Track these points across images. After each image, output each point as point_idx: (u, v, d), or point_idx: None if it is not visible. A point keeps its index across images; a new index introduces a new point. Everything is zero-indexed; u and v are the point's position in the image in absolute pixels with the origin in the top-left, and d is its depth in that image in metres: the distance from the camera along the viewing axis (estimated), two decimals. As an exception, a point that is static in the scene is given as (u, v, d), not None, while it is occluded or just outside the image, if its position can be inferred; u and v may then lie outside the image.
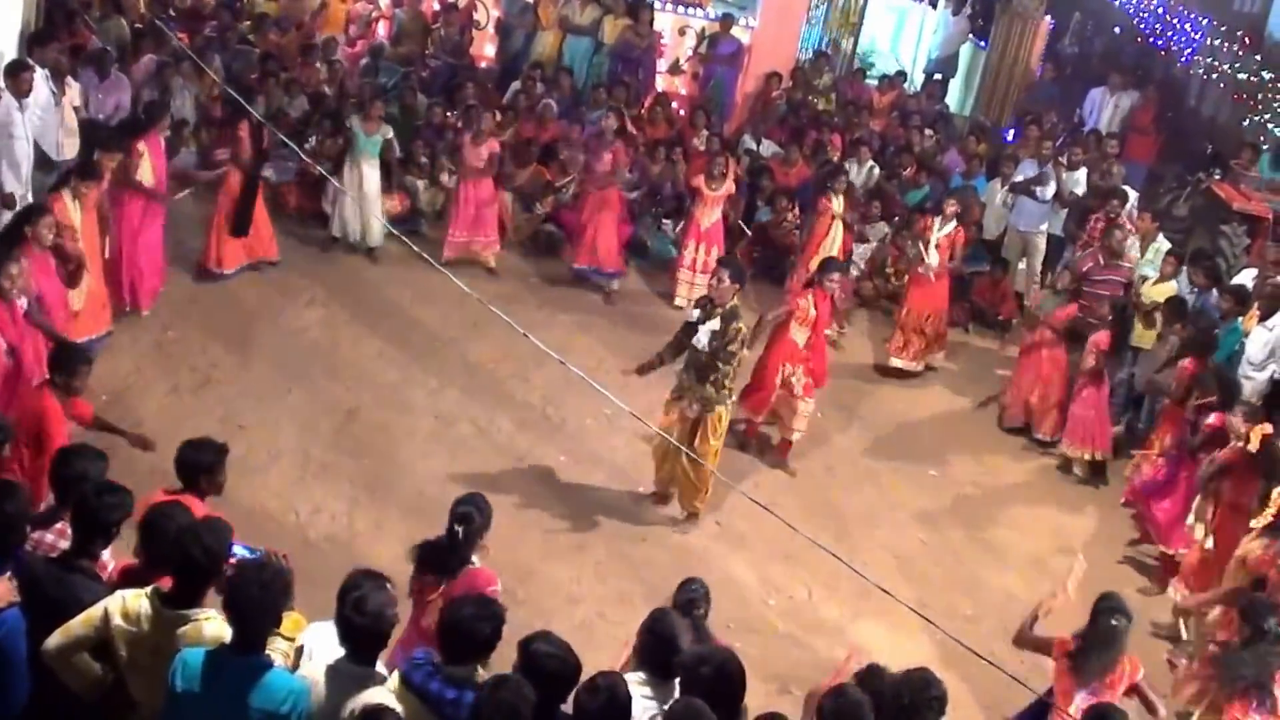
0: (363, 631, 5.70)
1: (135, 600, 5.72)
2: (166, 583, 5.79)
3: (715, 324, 10.50)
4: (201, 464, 7.20)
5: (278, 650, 5.83)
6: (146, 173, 12.25)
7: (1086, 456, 13.22)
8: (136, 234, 12.30)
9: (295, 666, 5.86)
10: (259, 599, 5.49)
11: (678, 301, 15.08)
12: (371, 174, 14.88)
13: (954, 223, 14.61)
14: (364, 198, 14.80)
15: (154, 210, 12.52)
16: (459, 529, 7.25)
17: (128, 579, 6.06)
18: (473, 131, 15.07)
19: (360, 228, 15.01)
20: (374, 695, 5.58)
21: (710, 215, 15.20)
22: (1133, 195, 16.57)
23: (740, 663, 6.12)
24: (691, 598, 7.45)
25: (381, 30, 19.54)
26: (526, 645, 5.80)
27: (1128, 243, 14.43)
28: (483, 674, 5.94)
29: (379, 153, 14.96)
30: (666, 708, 5.87)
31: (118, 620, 5.69)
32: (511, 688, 5.41)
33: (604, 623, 9.53)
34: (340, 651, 5.81)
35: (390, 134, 15.16)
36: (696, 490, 11.03)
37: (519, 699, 5.37)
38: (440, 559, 7.27)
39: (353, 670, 5.73)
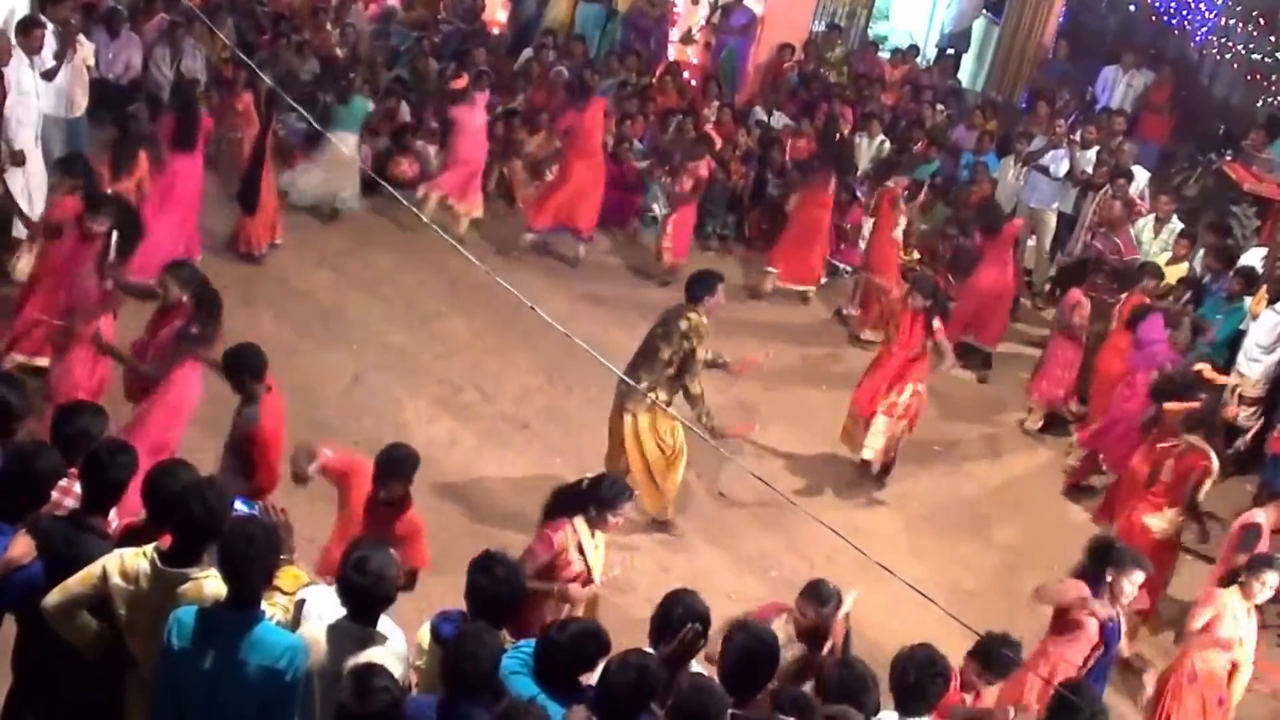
0: (362, 591, 5.72)
1: (134, 559, 5.72)
2: (166, 541, 5.80)
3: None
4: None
5: (277, 605, 5.86)
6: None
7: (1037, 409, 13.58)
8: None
9: (295, 621, 5.89)
10: (250, 554, 5.49)
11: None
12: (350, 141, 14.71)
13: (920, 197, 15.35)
14: (335, 165, 14.70)
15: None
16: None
17: (129, 537, 6.07)
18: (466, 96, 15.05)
19: (329, 194, 14.84)
20: (376, 656, 5.61)
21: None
22: (1144, 175, 16.57)
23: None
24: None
25: (393, -6, 19.50)
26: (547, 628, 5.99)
27: (1138, 224, 14.45)
28: (508, 637, 6.05)
29: (361, 119, 14.92)
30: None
31: (116, 579, 5.68)
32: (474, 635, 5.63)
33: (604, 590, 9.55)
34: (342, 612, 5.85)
35: (371, 106, 15.10)
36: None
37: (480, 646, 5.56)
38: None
39: (353, 630, 5.75)
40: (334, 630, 5.77)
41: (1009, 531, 11.83)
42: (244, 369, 8.07)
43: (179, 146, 12.43)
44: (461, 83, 15.64)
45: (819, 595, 7.15)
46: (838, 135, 16.31)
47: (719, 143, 16.60)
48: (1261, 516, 9.72)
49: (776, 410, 12.65)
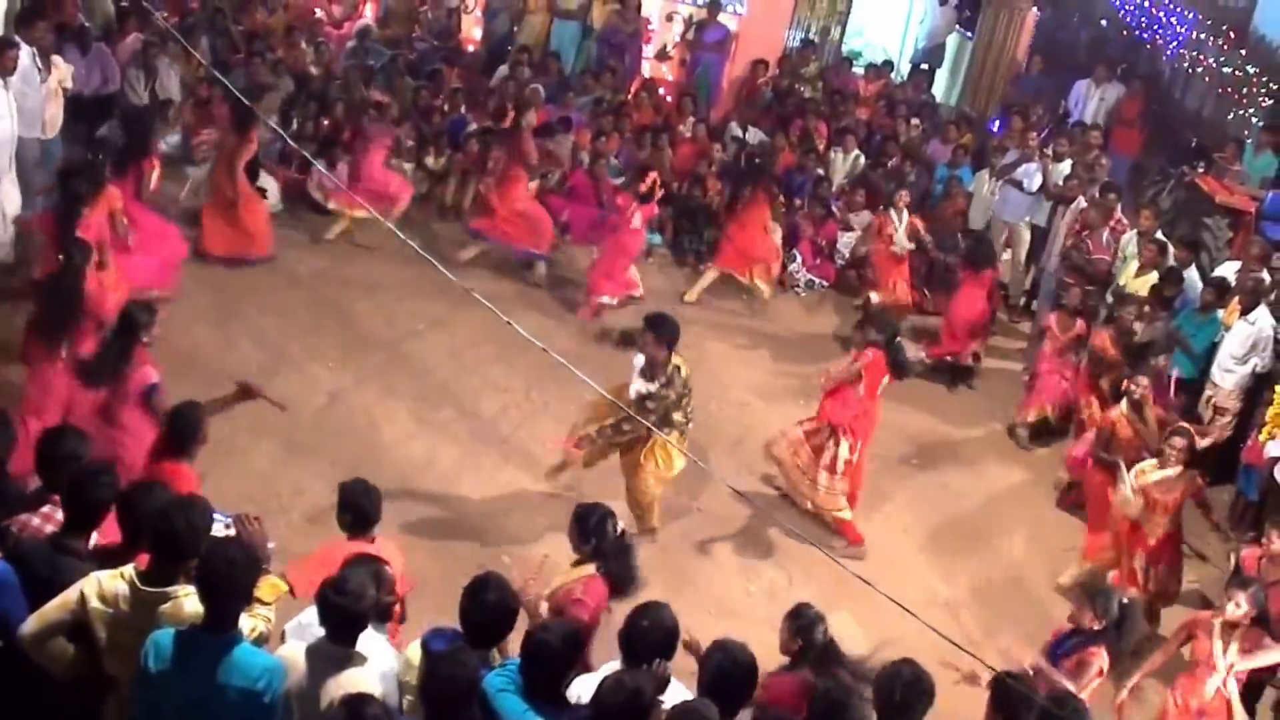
0: (339, 611, 5.74)
1: (112, 581, 5.70)
2: (143, 561, 5.78)
3: (646, 386, 9.98)
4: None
5: (258, 615, 5.85)
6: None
7: (1032, 418, 13.62)
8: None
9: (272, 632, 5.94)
10: (229, 576, 5.48)
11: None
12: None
13: (906, 212, 15.26)
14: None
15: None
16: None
17: (106, 558, 6.05)
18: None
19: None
20: (355, 677, 5.62)
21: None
22: (1115, 189, 16.74)
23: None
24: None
25: (369, 12, 19.50)
26: (533, 633, 6.02)
27: (1122, 240, 14.58)
28: (498, 656, 6.07)
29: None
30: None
31: (95, 603, 5.66)
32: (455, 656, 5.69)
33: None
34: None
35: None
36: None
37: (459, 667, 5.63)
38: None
39: (332, 651, 5.77)
40: (313, 651, 5.77)
41: (988, 543, 11.85)
42: (184, 433, 7.76)
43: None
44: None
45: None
46: (763, 156, 16.47)
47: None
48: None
49: (757, 424, 12.67)
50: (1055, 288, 14.85)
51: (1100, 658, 8.14)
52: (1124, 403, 11.46)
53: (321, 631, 5.88)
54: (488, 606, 6.11)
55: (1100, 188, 15.35)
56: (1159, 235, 14.57)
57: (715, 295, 15.37)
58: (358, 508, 7.27)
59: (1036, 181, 16.10)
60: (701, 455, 11.45)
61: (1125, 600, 8.50)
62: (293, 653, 5.81)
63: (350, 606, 5.73)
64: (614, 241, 14.39)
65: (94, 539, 6.30)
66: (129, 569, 5.73)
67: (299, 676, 5.71)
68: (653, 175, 14.50)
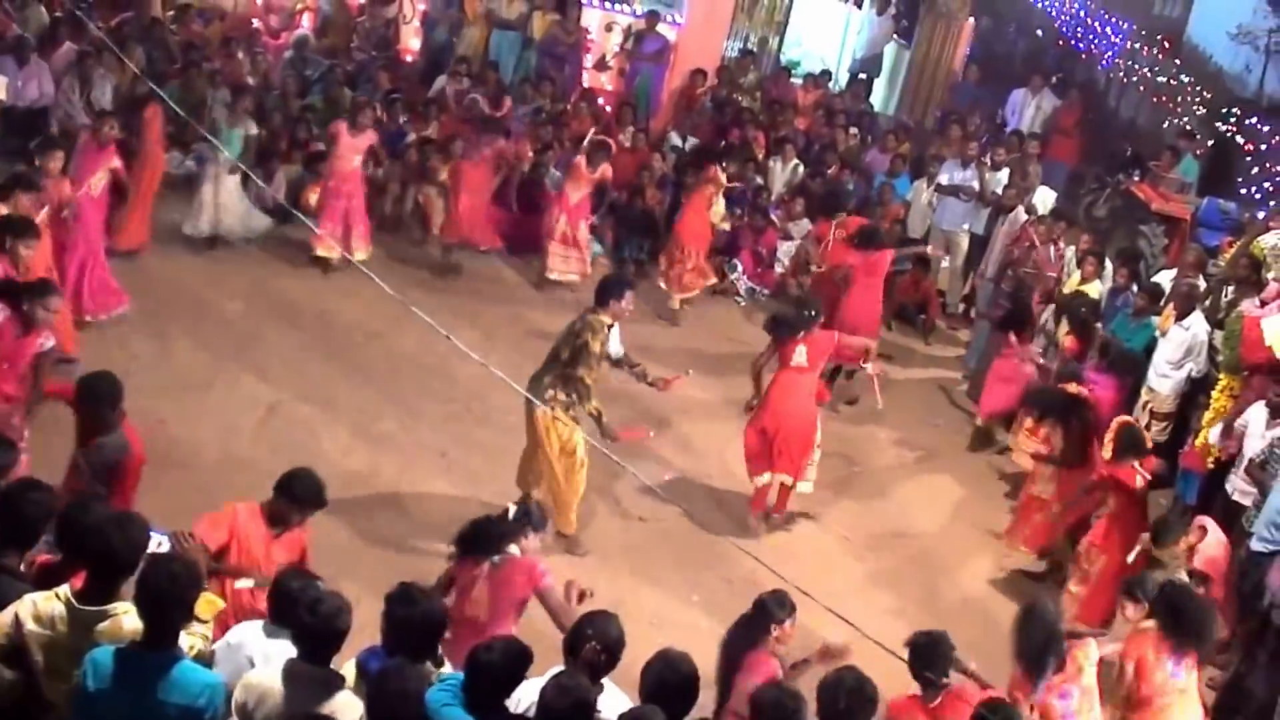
0: (314, 632, 5.72)
1: (47, 603, 5.60)
2: (78, 580, 5.71)
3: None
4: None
5: (195, 634, 5.79)
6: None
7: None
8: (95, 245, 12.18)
9: (210, 650, 5.91)
10: (169, 591, 5.42)
11: (551, 275, 15.29)
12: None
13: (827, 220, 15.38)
14: (221, 191, 14.50)
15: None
16: (513, 510, 7.57)
17: (45, 577, 5.96)
18: (351, 122, 14.71)
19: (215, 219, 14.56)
20: (343, 700, 5.66)
21: (579, 191, 15.30)
22: (1051, 195, 16.90)
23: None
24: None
25: (306, 22, 19.41)
26: (476, 649, 5.94)
27: (1067, 255, 14.73)
28: (433, 670, 6.03)
29: (240, 149, 14.70)
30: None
31: (30, 625, 5.55)
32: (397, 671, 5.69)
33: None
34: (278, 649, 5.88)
35: (254, 130, 14.96)
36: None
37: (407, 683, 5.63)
38: (482, 538, 7.48)
39: (312, 672, 5.73)
40: (290, 673, 5.73)
41: (929, 549, 11.90)
42: (101, 399, 7.90)
43: None
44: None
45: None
46: (750, 160, 16.50)
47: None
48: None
49: (700, 432, 12.68)
50: (993, 295, 14.95)
51: (1084, 651, 8.06)
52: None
53: (256, 653, 5.85)
54: (415, 614, 6.08)
55: (1052, 212, 15.59)
56: (1095, 249, 14.75)
57: (651, 303, 15.40)
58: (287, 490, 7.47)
59: (971, 182, 16.27)
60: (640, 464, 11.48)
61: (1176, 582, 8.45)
62: (265, 679, 5.77)
63: (323, 628, 5.72)
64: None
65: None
66: (64, 589, 5.65)
67: (276, 699, 5.67)
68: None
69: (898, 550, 11.82)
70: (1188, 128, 20.23)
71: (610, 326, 10.30)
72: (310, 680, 5.72)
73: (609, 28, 19.89)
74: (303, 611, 5.75)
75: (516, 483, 10.68)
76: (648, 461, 11.73)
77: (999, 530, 11.99)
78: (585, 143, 15.62)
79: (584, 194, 15.32)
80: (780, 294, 16.29)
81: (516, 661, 5.93)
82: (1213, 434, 11.72)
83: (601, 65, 19.97)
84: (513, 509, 7.79)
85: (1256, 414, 11.03)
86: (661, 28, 19.64)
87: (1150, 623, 8.21)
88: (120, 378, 8.10)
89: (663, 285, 15.52)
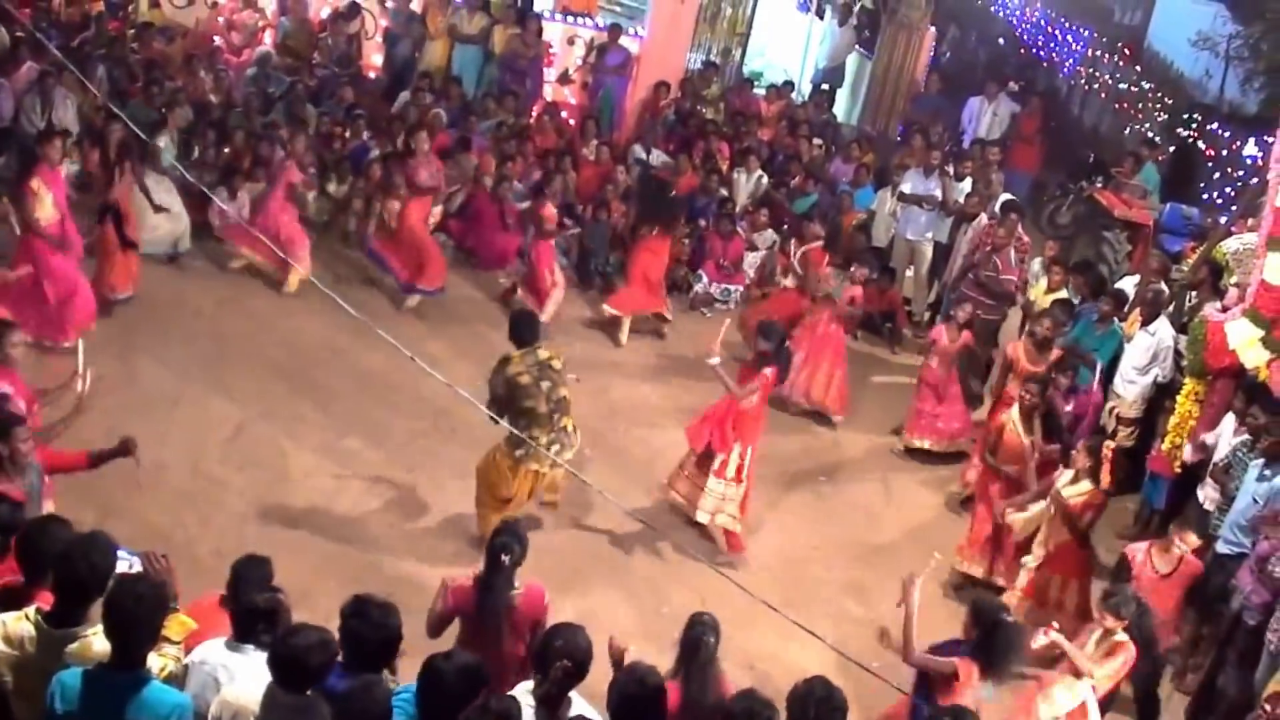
0: (288, 662, 5.65)
1: (16, 623, 5.60)
2: (46, 601, 5.68)
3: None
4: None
5: (166, 654, 5.77)
6: (48, 211, 11.93)
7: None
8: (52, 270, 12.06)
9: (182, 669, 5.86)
10: (136, 614, 5.42)
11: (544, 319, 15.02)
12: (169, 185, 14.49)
13: (818, 243, 15.34)
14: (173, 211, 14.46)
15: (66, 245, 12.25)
16: (504, 559, 7.36)
17: (7, 598, 5.93)
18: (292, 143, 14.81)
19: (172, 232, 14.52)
20: None
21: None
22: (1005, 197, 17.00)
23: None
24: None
25: (268, 39, 19.35)
26: (431, 661, 5.93)
27: (1032, 266, 14.81)
28: (390, 679, 6.02)
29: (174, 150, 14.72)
30: None
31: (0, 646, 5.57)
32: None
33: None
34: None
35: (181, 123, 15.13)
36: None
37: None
38: (489, 595, 7.38)
39: (293, 701, 5.67)
40: (270, 701, 5.69)
41: (895, 558, 11.89)
42: None
43: None
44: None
45: None
46: (667, 188, 16.47)
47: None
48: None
49: (669, 444, 12.67)
50: (953, 301, 15.03)
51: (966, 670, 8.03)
52: (1015, 408, 11.60)
53: (218, 668, 5.85)
54: (372, 627, 6.07)
55: (1002, 206, 15.51)
56: (1060, 256, 14.83)
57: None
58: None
59: (934, 192, 16.33)
60: (611, 477, 11.47)
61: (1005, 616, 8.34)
62: (238, 697, 5.73)
63: (300, 658, 5.64)
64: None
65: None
66: (33, 610, 5.64)
67: None
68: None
69: (866, 560, 11.84)
70: (1149, 134, 20.40)
71: (526, 355, 10.44)
72: (288, 709, 5.66)
73: (571, 41, 19.88)
74: (277, 640, 5.73)
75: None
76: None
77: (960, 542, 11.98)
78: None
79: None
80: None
81: (468, 675, 5.89)
82: (1187, 451, 11.82)
83: (564, 79, 19.96)
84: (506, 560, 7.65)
85: (1227, 424, 11.21)
86: (624, 40, 19.63)
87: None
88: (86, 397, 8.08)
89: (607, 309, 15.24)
